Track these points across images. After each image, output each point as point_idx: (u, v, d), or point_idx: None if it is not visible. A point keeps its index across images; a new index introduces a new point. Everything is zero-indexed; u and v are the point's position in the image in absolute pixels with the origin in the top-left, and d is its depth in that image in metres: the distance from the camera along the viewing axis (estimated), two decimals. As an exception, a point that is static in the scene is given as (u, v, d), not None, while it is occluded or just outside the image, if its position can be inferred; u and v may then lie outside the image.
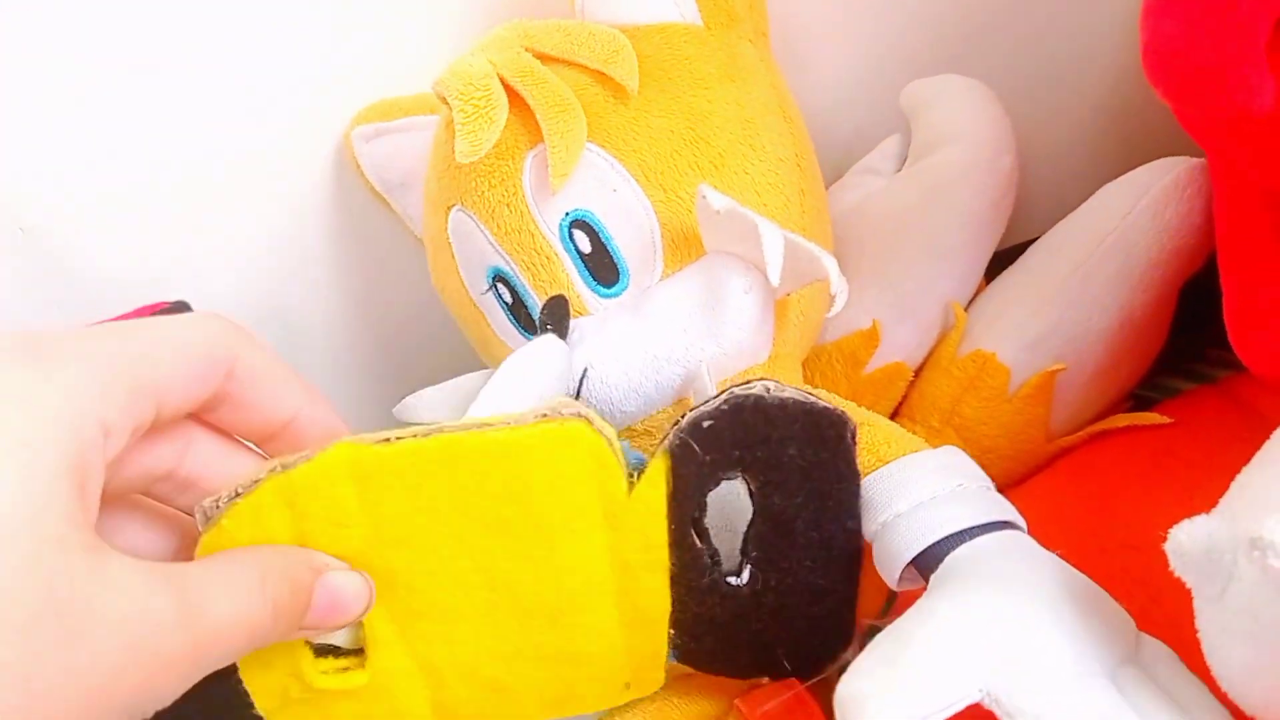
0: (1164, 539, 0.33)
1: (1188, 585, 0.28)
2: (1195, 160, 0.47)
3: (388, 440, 0.30)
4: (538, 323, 0.42)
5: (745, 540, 0.36)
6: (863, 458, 0.38)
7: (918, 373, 0.51)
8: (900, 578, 0.36)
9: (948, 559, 0.34)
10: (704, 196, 0.39)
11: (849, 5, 0.57)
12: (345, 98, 0.53)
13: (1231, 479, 0.31)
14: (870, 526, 0.38)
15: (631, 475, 0.33)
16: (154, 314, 0.48)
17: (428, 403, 0.48)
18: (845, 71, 0.58)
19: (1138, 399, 0.52)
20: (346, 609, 0.32)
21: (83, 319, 0.47)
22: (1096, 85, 0.59)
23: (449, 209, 0.45)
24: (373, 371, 0.62)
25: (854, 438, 0.35)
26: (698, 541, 0.35)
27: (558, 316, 0.41)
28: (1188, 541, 0.27)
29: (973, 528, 0.35)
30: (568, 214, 0.42)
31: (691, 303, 0.41)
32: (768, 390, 0.33)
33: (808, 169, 0.46)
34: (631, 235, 0.42)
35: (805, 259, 0.38)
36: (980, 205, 0.50)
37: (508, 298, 0.45)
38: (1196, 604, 0.29)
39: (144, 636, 0.25)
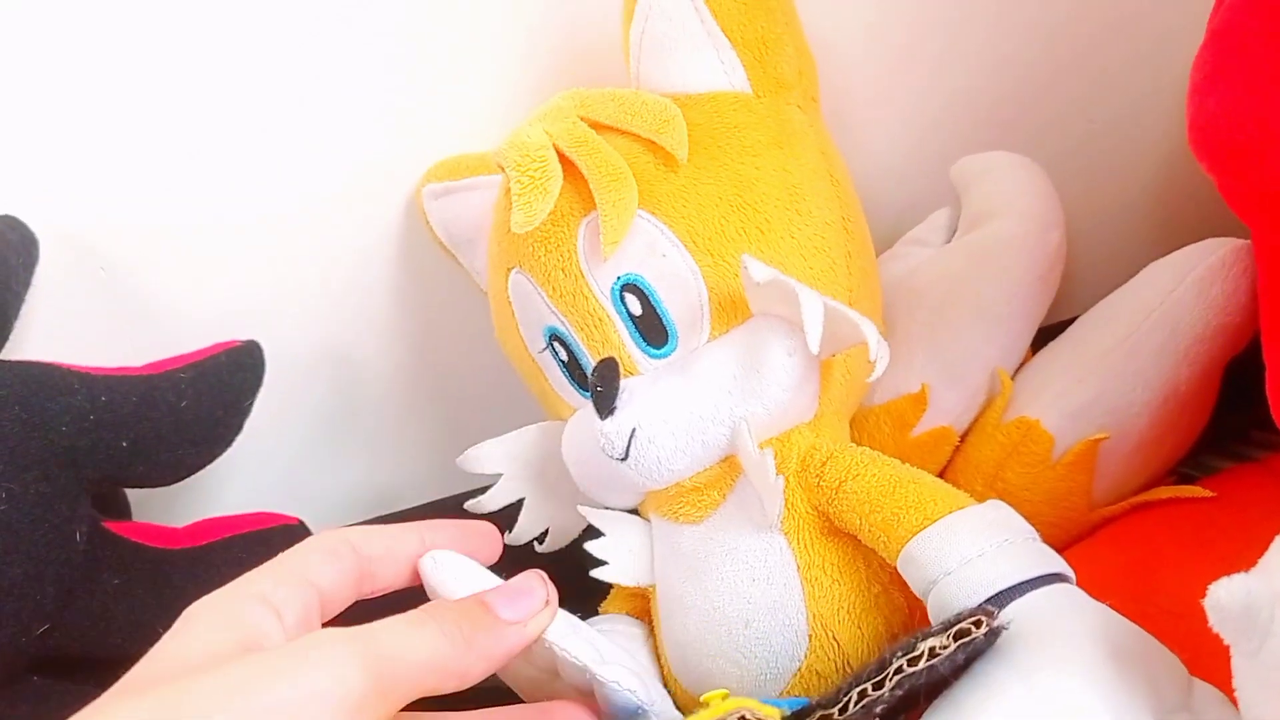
0: (1202, 607, 0.33)
1: (1225, 641, 0.28)
2: (1241, 241, 0.48)
3: None
4: (590, 384, 0.43)
5: None
6: (910, 516, 0.39)
7: (963, 438, 0.51)
8: None
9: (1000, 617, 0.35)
10: (746, 267, 0.40)
11: (899, 82, 0.58)
12: (414, 149, 0.56)
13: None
14: (921, 585, 0.38)
15: None
16: (224, 351, 0.50)
17: (488, 454, 0.49)
18: (895, 145, 0.60)
19: (1180, 476, 0.52)
20: (529, 591, 0.36)
21: (159, 354, 0.49)
22: (1142, 164, 0.60)
23: (509, 270, 0.47)
24: (432, 416, 0.64)
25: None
26: None
27: (608, 379, 0.43)
28: (1226, 598, 0.27)
29: (1022, 583, 0.36)
30: (619, 278, 0.44)
31: (735, 365, 0.42)
32: (935, 656, 0.32)
33: (855, 231, 0.47)
34: (680, 298, 0.43)
35: (846, 325, 0.39)
36: (1028, 277, 0.51)
37: (564, 356, 0.46)
38: (1234, 661, 0.29)
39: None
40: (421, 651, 0.32)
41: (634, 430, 0.42)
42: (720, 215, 0.43)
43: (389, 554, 0.37)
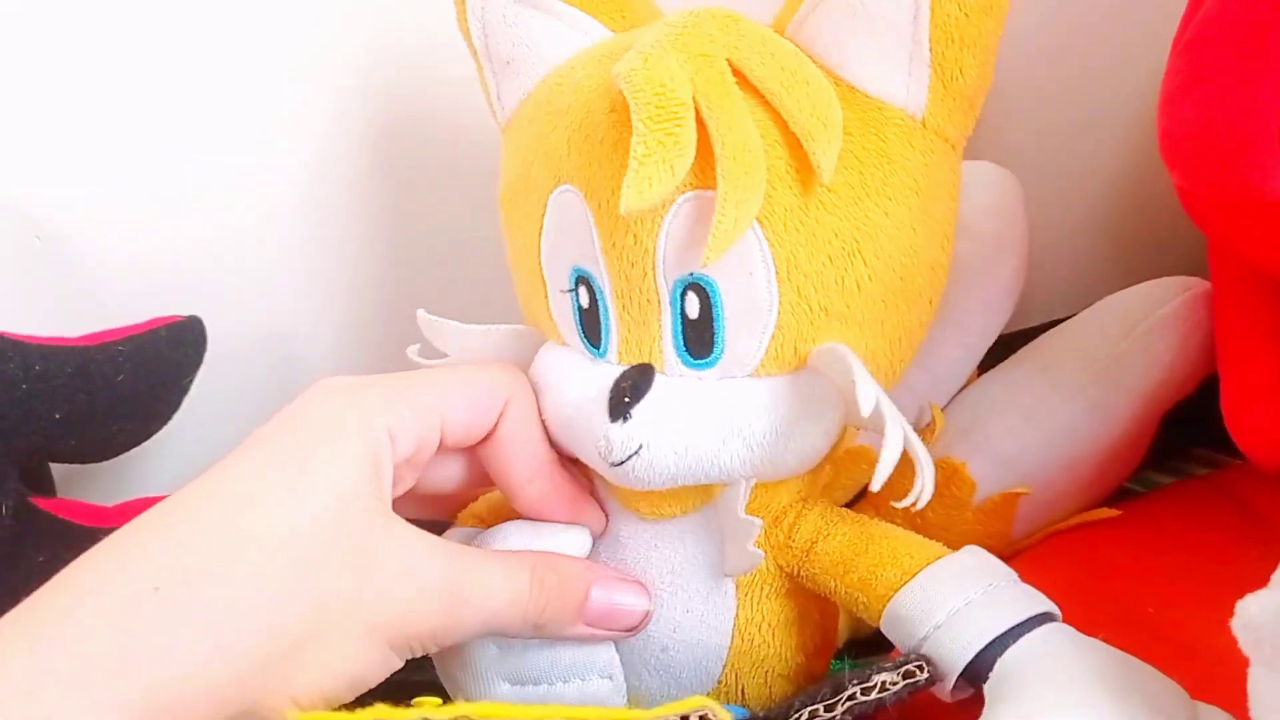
0: (1153, 615, 0.33)
1: (1254, 659, 0.27)
2: (1195, 291, 0.48)
3: None
4: (612, 386, 0.38)
5: None
6: (887, 572, 0.38)
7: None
8: (953, 689, 0.36)
9: (998, 665, 0.34)
10: (857, 384, 0.35)
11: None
12: (368, 123, 0.56)
13: (1219, 562, 0.31)
14: (909, 644, 0.37)
15: None
16: (165, 326, 0.49)
17: (448, 334, 0.44)
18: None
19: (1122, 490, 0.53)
20: (624, 616, 0.40)
21: (95, 326, 0.48)
22: (1100, 173, 0.60)
23: (560, 181, 0.39)
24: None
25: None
26: None
27: (639, 390, 0.38)
28: (1259, 614, 0.26)
29: (1014, 628, 0.35)
30: (693, 274, 0.37)
31: (769, 421, 0.37)
32: (885, 690, 0.35)
33: (934, 314, 0.42)
34: (743, 323, 0.37)
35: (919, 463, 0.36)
36: (973, 304, 0.50)
37: (584, 302, 0.40)
38: (1252, 670, 0.28)
39: (415, 588, 0.34)
40: (499, 600, 0.36)
41: (641, 447, 0.37)
42: (828, 255, 0.37)
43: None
